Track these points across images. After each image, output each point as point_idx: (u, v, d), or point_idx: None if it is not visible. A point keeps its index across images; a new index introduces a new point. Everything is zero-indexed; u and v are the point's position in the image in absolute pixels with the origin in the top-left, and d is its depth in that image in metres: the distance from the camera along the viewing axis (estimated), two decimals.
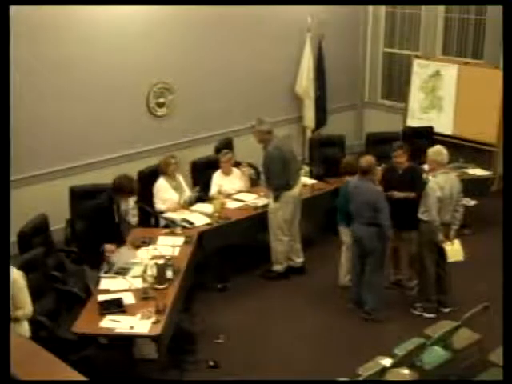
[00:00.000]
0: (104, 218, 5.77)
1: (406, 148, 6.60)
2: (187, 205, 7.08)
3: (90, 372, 4.06)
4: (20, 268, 5.22)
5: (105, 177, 7.44)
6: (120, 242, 5.94)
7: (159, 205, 7.02)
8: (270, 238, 7.02)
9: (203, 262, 6.69)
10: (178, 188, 7.15)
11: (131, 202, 6.70)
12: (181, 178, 7.27)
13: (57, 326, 5.24)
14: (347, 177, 6.71)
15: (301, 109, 9.95)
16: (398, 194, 6.42)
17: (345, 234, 6.73)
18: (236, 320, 6.30)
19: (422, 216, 6.24)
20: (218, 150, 8.07)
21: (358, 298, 6.47)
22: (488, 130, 8.97)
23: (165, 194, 7.05)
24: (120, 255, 5.73)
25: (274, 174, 6.77)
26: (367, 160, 6.24)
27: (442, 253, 6.30)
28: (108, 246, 5.68)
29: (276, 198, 6.82)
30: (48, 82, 7.32)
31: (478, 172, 8.37)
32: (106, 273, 5.63)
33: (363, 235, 6.21)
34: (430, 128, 9.28)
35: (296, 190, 6.94)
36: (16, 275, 4.71)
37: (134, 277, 5.57)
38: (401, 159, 6.53)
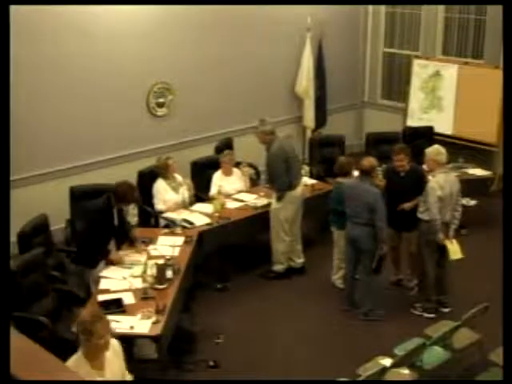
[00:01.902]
0: (103, 220, 5.77)
1: (407, 151, 6.57)
2: (187, 204, 7.09)
3: None
4: (20, 268, 5.24)
5: (105, 177, 7.47)
6: (119, 244, 5.94)
7: (159, 205, 7.02)
8: (271, 238, 7.02)
9: (203, 262, 6.69)
10: (177, 188, 7.15)
11: None
12: (179, 177, 7.26)
13: (57, 326, 5.24)
14: (339, 178, 6.73)
15: (301, 109, 9.95)
16: (407, 206, 6.39)
17: (337, 235, 6.74)
18: (236, 320, 6.30)
19: (421, 215, 6.23)
20: (218, 150, 8.07)
21: (352, 299, 6.48)
22: (488, 130, 8.97)
23: (165, 195, 7.05)
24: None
25: (277, 174, 6.77)
26: (369, 161, 6.23)
27: (442, 253, 6.31)
28: (117, 256, 5.73)
29: (279, 198, 6.82)
30: (48, 81, 7.32)
31: (478, 172, 8.38)
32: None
33: (358, 236, 6.20)
34: (430, 128, 9.28)
35: (298, 190, 6.94)
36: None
37: (134, 277, 5.58)
38: (402, 162, 6.50)
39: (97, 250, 5.72)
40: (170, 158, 7.19)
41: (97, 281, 5.56)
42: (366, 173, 6.18)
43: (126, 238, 6.07)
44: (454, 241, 6.28)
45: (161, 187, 7.07)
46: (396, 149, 6.62)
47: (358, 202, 6.16)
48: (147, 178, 7.29)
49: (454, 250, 6.24)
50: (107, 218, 5.78)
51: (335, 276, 6.89)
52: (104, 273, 5.65)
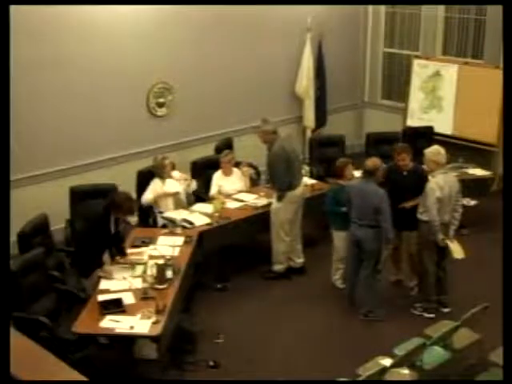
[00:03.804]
0: (100, 230, 5.73)
1: (409, 149, 6.57)
2: (183, 201, 7.09)
3: (90, 372, 4.06)
4: (20, 268, 5.24)
5: (105, 177, 7.48)
6: (115, 252, 5.93)
7: (147, 195, 6.99)
8: (271, 238, 7.01)
9: (203, 262, 6.69)
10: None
11: None
12: (176, 174, 7.26)
13: (57, 325, 5.24)
14: (338, 180, 6.72)
15: (301, 109, 9.95)
16: (409, 204, 6.36)
17: (336, 237, 6.73)
18: (236, 320, 6.30)
19: (421, 216, 6.23)
20: (218, 150, 8.07)
21: (352, 299, 6.50)
22: (488, 130, 8.97)
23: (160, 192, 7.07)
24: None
25: (278, 174, 6.77)
26: (373, 161, 6.23)
27: (441, 253, 6.31)
28: (107, 269, 5.68)
29: (279, 198, 6.82)
30: (48, 81, 7.32)
31: (478, 172, 8.38)
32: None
33: (363, 237, 6.20)
34: (430, 128, 9.28)
35: (299, 190, 6.94)
36: None
37: (134, 277, 5.59)
38: (405, 162, 6.50)
39: (92, 260, 5.69)
40: (166, 158, 7.19)
41: (94, 287, 5.53)
42: (370, 173, 6.18)
43: (119, 248, 6.03)
44: (455, 241, 6.28)
45: (157, 186, 7.06)
46: (398, 148, 6.63)
47: (363, 204, 6.15)
48: (147, 178, 7.28)
49: (456, 250, 6.25)
50: (104, 229, 5.75)
51: (335, 277, 6.90)
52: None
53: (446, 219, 6.18)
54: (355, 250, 6.35)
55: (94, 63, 7.64)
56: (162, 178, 7.10)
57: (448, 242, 6.20)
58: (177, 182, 7.20)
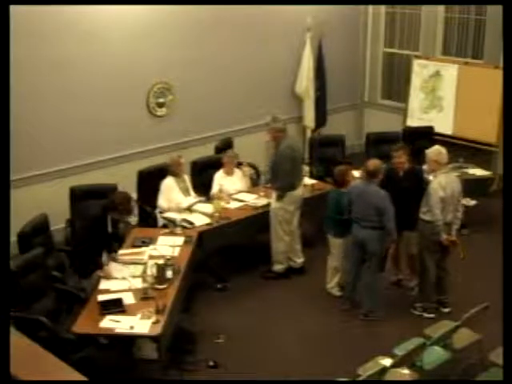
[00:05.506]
0: (97, 229, 5.73)
1: (406, 149, 6.59)
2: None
3: (90, 372, 4.06)
4: (20, 268, 5.24)
5: (105, 177, 7.48)
6: (112, 252, 5.92)
7: (162, 202, 7.00)
8: (271, 238, 7.01)
9: (203, 262, 6.69)
10: (184, 190, 7.14)
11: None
12: (187, 180, 7.26)
13: (57, 326, 5.23)
14: (340, 189, 6.69)
15: (301, 109, 9.95)
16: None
17: (333, 244, 6.68)
18: (236, 320, 6.30)
19: (423, 216, 6.23)
20: (218, 150, 8.08)
21: (352, 299, 6.49)
22: (488, 130, 8.97)
23: (171, 194, 7.02)
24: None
25: (282, 174, 6.76)
26: (374, 163, 6.23)
27: (442, 253, 6.31)
28: (107, 269, 5.67)
29: (279, 197, 6.82)
30: (48, 81, 7.32)
31: (478, 172, 8.38)
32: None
33: (366, 238, 6.19)
34: (430, 128, 9.28)
35: (299, 190, 6.95)
36: None
37: (134, 277, 5.59)
38: (401, 159, 6.51)
39: (90, 260, 5.69)
40: (181, 157, 7.20)
41: (94, 287, 5.53)
42: (371, 175, 6.18)
43: (117, 247, 6.02)
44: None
45: (169, 186, 7.03)
46: (395, 146, 6.66)
47: (365, 205, 6.14)
48: (147, 178, 7.28)
49: (460, 249, 6.27)
50: (102, 229, 5.74)
51: (330, 285, 6.80)
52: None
53: (448, 219, 6.18)
54: (357, 251, 6.34)
55: (93, 63, 7.64)
56: (176, 176, 7.07)
57: (455, 241, 6.20)
58: (192, 199, 7.16)
